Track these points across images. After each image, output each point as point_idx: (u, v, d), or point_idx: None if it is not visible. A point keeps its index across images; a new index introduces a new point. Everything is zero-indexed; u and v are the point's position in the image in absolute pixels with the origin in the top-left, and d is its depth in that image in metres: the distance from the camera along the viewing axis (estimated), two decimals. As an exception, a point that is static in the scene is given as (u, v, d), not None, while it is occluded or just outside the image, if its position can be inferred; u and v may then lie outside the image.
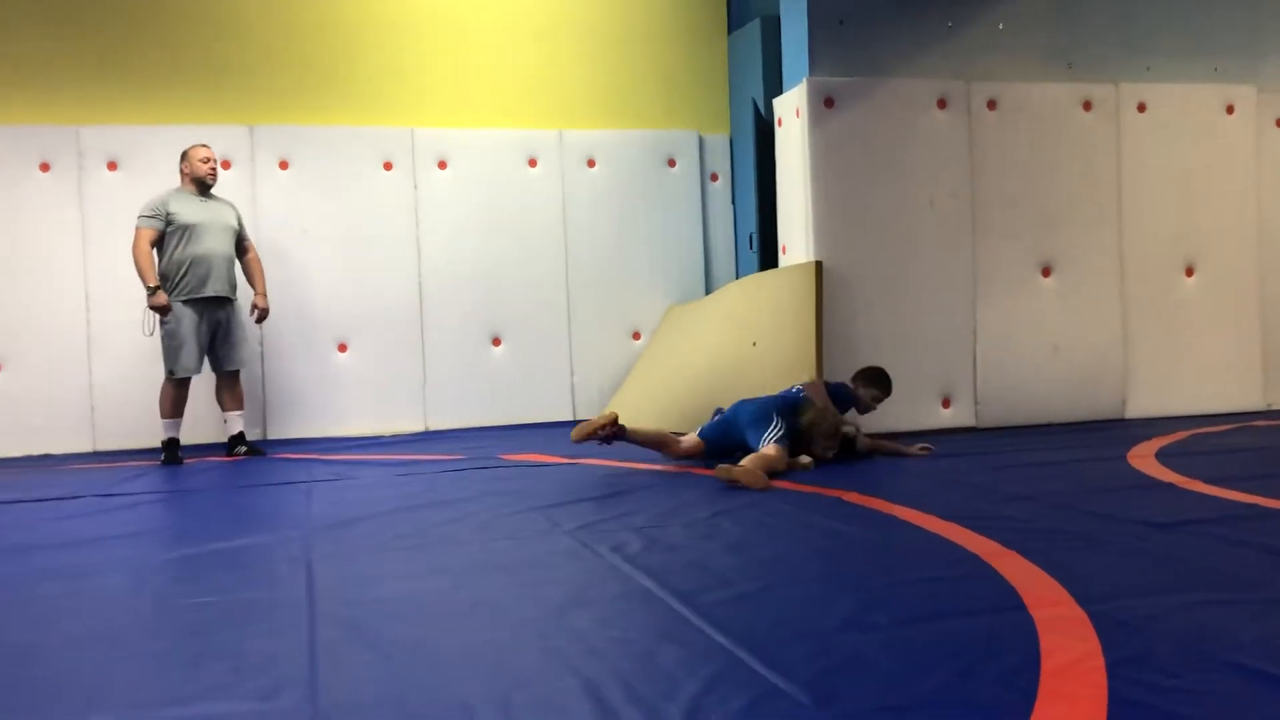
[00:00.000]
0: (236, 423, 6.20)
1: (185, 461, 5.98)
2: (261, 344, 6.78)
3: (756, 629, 2.46)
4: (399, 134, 7.08)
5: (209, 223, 5.98)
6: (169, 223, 5.92)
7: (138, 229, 5.90)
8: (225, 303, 6.06)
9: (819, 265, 5.90)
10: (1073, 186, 6.36)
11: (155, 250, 5.94)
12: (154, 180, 6.40)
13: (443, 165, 7.16)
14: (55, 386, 6.53)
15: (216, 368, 6.12)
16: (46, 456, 6.45)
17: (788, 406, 5.00)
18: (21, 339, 6.50)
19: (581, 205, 7.43)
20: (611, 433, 4.95)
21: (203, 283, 5.94)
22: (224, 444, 6.27)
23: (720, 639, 2.37)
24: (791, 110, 6.22)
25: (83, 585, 3.22)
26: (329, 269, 6.93)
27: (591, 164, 7.46)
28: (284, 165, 6.89)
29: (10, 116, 6.59)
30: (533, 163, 7.35)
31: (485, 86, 7.42)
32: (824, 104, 6.02)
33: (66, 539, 3.96)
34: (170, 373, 5.95)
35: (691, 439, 5.19)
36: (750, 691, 2.04)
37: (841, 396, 5.29)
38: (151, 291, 5.88)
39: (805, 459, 4.91)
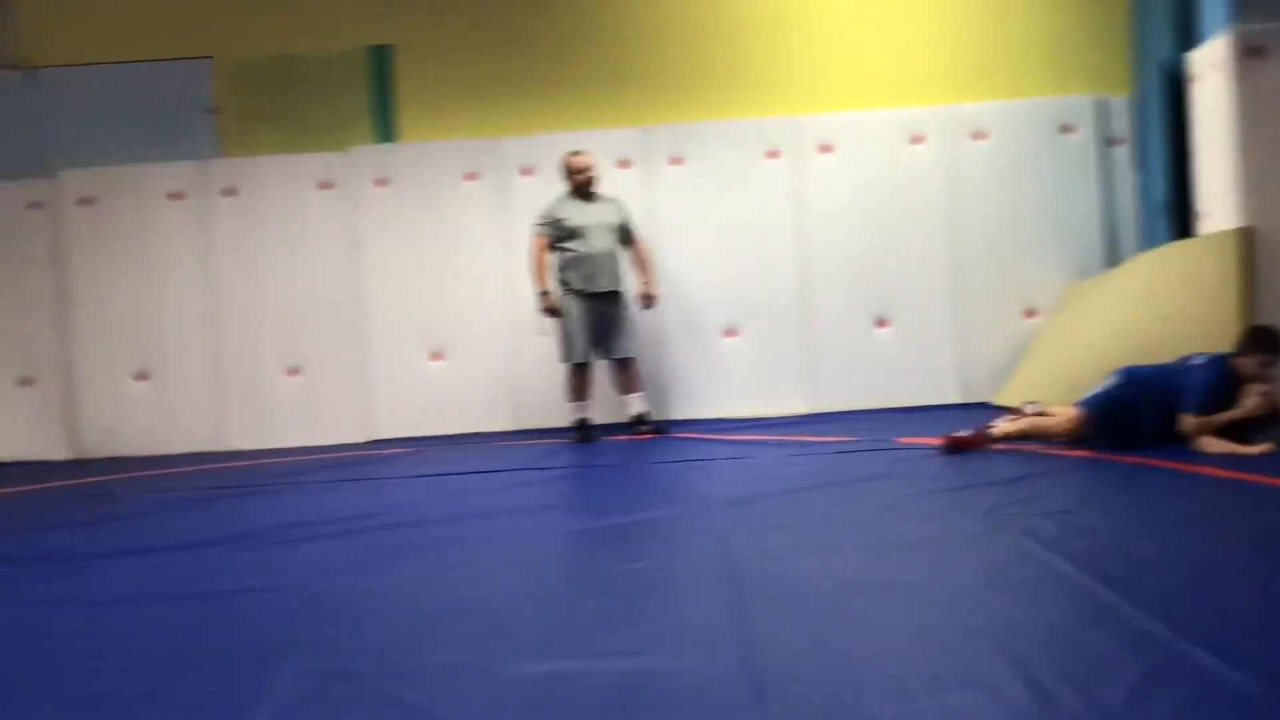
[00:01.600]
0: (637, 403, 6.60)
1: (597, 440, 6.46)
2: (655, 332, 7.17)
3: (1197, 618, 2.31)
4: (784, 122, 7.23)
5: (593, 224, 6.44)
6: (558, 228, 6.43)
7: (533, 236, 6.46)
8: (613, 296, 6.48)
9: (1247, 232, 5.36)
10: None
11: (552, 251, 6.47)
12: (561, 185, 6.97)
13: (825, 149, 7.22)
14: (484, 372, 7.28)
15: (605, 357, 6.55)
16: (479, 434, 7.21)
17: (1211, 380, 4.56)
18: (456, 331, 7.30)
19: (968, 180, 7.22)
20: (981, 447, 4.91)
21: (590, 280, 6.40)
22: (626, 424, 6.68)
23: (1156, 626, 2.26)
24: (1211, 64, 5.69)
25: (520, 549, 3.59)
26: (716, 258, 7.21)
27: (979, 137, 7.23)
28: (675, 161, 7.25)
29: (443, 133, 7.42)
30: (917, 140, 7.24)
31: (868, 67, 7.41)
32: (1251, 54, 5.45)
33: (501, 507, 4.43)
34: (566, 360, 6.47)
35: (1070, 412, 4.89)
36: (1197, 682, 1.94)
37: (1226, 374, 4.70)
38: (541, 295, 6.41)
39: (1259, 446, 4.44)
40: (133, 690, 2.33)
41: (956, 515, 3.62)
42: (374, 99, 7.57)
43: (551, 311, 6.45)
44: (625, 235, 6.57)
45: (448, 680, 2.24)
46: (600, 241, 6.42)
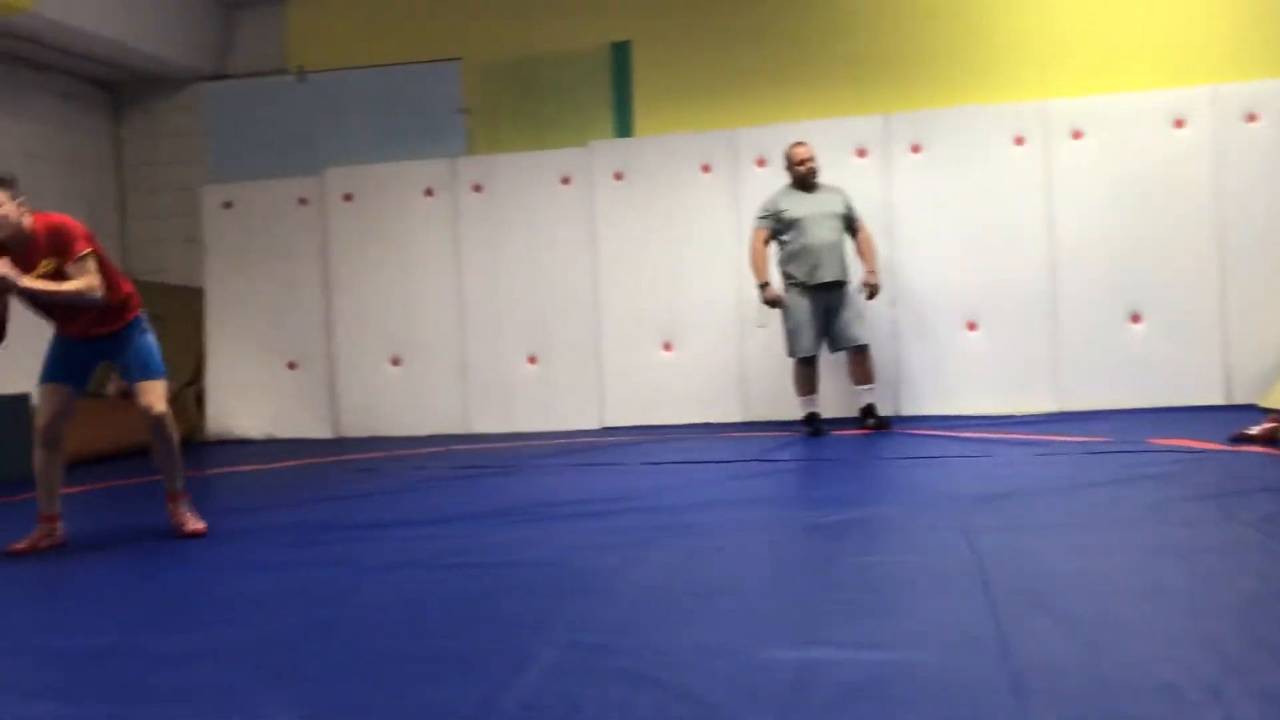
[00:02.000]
0: (867, 395, 6.48)
1: (827, 434, 6.41)
2: (894, 323, 7.03)
3: None
4: (1030, 108, 6.93)
5: (814, 215, 6.33)
6: (778, 220, 6.38)
7: (754, 229, 6.48)
8: (836, 287, 6.35)
9: None
10: None
11: (777, 244, 6.44)
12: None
13: (1076, 135, 6.87)
14: (714, 363, 7.34)
15: (835, 347, 6.44)
16: (708, 425, 7.28)
17: None
18: (687, 322, 7.39)
19: (1238, 166, 6.69)
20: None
21: (812, 271, 6.30)
22: (856, 419, 6.57)
23: None
24: None
25: (760, 538, 3.62)
26: (958, 248, 6.98)
27: (1252, 118, 6.69)
28: (916, 149, 7.08)
29: (678, 126, 7.52)
30: (1179, 124, 6.78)
31: (1123, 48, 7.00)
32: None
33: (736, 497, 4.47)
34: (792, 355, 6.41)
35: None
36: None
37: None
38: (761, 288, 6.40)
39: None
40: (406, 649, 2.50)
41: (1226, 521, 3.39)
42: (614, 94, 7.76)
43: (772, 304, 6.43)
44: (849, 224, 6.46)
45: (702, 661, 2.29)
46: (821, 232, 6.31)
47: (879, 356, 6.68)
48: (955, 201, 6.99)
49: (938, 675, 2.13)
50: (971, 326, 7.02)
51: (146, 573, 3.60)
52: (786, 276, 6.41)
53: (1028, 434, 5.91)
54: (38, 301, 3.87)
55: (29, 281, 3.72)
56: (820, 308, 6.35)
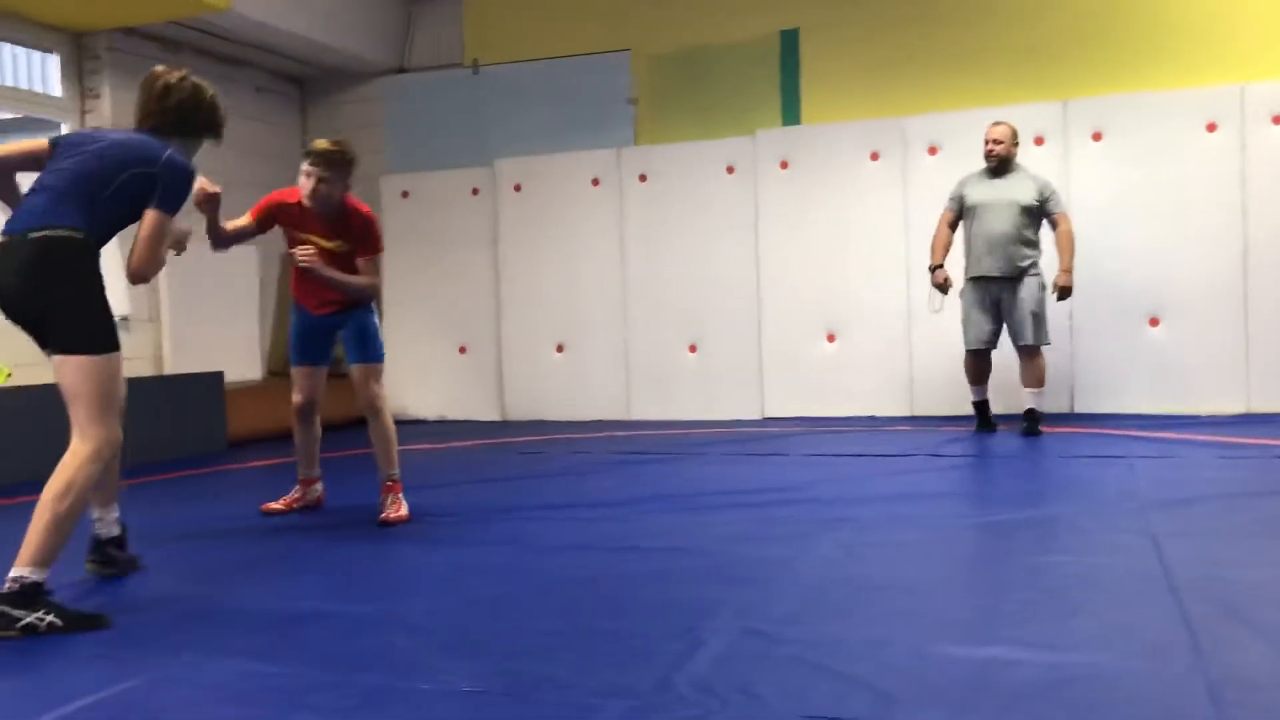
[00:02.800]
0: (1028, 399, 6.11)
1: (998, 428, 6.23)
2: (1070, 318, 6.77)
3: None
4: (1225, 92, 6.55)
5: (993, 202, 6.00)
6: (960, 204, 6.15)
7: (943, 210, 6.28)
8: (1007, 281, 5.98)
9: None
10: None
11: (963, 229, 6.19)
12: (967, 162, 6.76)
13: (1278, 121, 6.46)
14: (879, 355, 7.22)
15: (1011, 343, 6.12)
16: (871, 418, 7.17)
17: None
18: (851, 313, 7.29)
19: None
20: None
21: (978, 262, 6.02)
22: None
23: None
24: None
25: (929, 534, 3.55)
26: (1142, 240, 6.67)
27: None
28: (1097, 137, 6.79)
29: (846, 114, 7.42)
30: (1393, 108, 6.30)
31: (1330, 27, 6.54)
32: None
33: (902, 491, 4.40)
34: (965, 344, 6.17)
35: None
36: None
37: None
38: (932, 270, 6.19)
39: None
40: (580, 627, 2.57)
41: None
42: (782, 83, 7.70)
43: (940, 287, 6.19)
44: (1041, 215, 6.07)
45: (874, 653, 2.27)
46: (997, 221, 5.98)
47: (1056, 351, 6.42)
48: (1139, 191, 6.68)
49: (1126, 680, 2.06)
50: (1154, 322, 6.70)
51: (338, 544, 3.79)
52: (966, 265, 6.17)
53: (1213, 436, 5.63)
54: (309, 275, 4.09)
55: (329, 273, 4.02)
56: (991, 300, 6.07)
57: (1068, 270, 6.01)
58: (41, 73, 7.15)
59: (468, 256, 8.32)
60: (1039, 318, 6.01)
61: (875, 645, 2.33)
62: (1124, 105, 6.74)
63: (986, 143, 6.11)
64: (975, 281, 6.08)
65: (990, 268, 6.00)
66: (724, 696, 2.04)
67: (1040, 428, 6.04)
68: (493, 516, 4.17)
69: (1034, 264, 6.03)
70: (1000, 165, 6.09)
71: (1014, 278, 6.00)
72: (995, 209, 5.99)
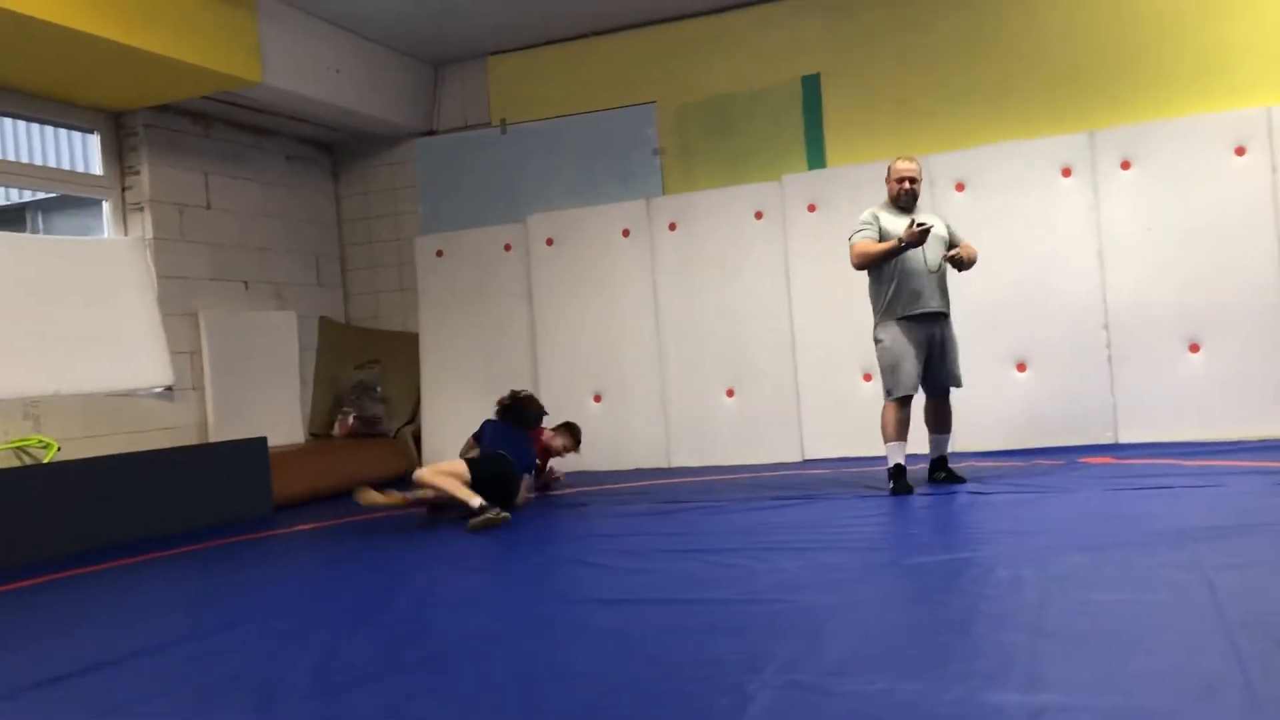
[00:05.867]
0: (944, 445, 5.83)
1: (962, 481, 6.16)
2: (1109, 347, 6.73)
3: None
4: (1252, 115, 6.52)
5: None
6: (882, 235, 5.63)
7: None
8: (942, 319, 5.65)
9: None
10: None
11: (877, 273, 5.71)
12: (995, 197, 6.80)
13: (1310, 142, 6.43)
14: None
15: (929, 386, 5.73)
16: (912, 456, 7.11)
17: None
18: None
19: None
20: None
21: (915, 297, 5.56)
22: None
23: None
24: None
25: (975, 573, 3.51)
26: (1178, 266, 6.62)
27: None
28: (1125, 166, 6.78)
29: (871, 155, 7.44)
30: None
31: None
32: None
33: (947, 531, 4.35)
34: (888, 393, 5.65)
35: None
36: None
37: None
38: (901, 241, 5.46)
39: None
40: (623, 686, 2.57)
41: None
42: (806, 127, 7.76)
43: (917, 238, 5.42)
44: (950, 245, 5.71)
45: (926, 703, 2.26)
46: (931, 256, 5.55)
47: (1094, 381, 6.37)
48: (1171, 217, 6.65)
49: (1179, 723, 2.04)
50: (1194, 348, 6.63)
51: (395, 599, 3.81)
52: (884, 305, 5.69)
53: (1261, 462, 5.54)
54: None
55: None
56: (920, 340, 5.59)
57: (970, 251, 5.61)
58: (83, 152, 7.37)
59: (503, 312, 8.41)
60: (958, 360, 5.77)
61: (928, 695, 2.31)
62: (1151, 133, 6.73)
63: (903, 180, 5.70)
64: (909, 321, 5.59)
65: (931, 304, 5.59)
66: (774, 753, 2.03)
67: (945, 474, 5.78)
68: (533, 570, 4.18)
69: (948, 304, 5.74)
70: (911, 202, 5.74)
71: (947, 314, 5.70)
72: (926, 243, 5.50)
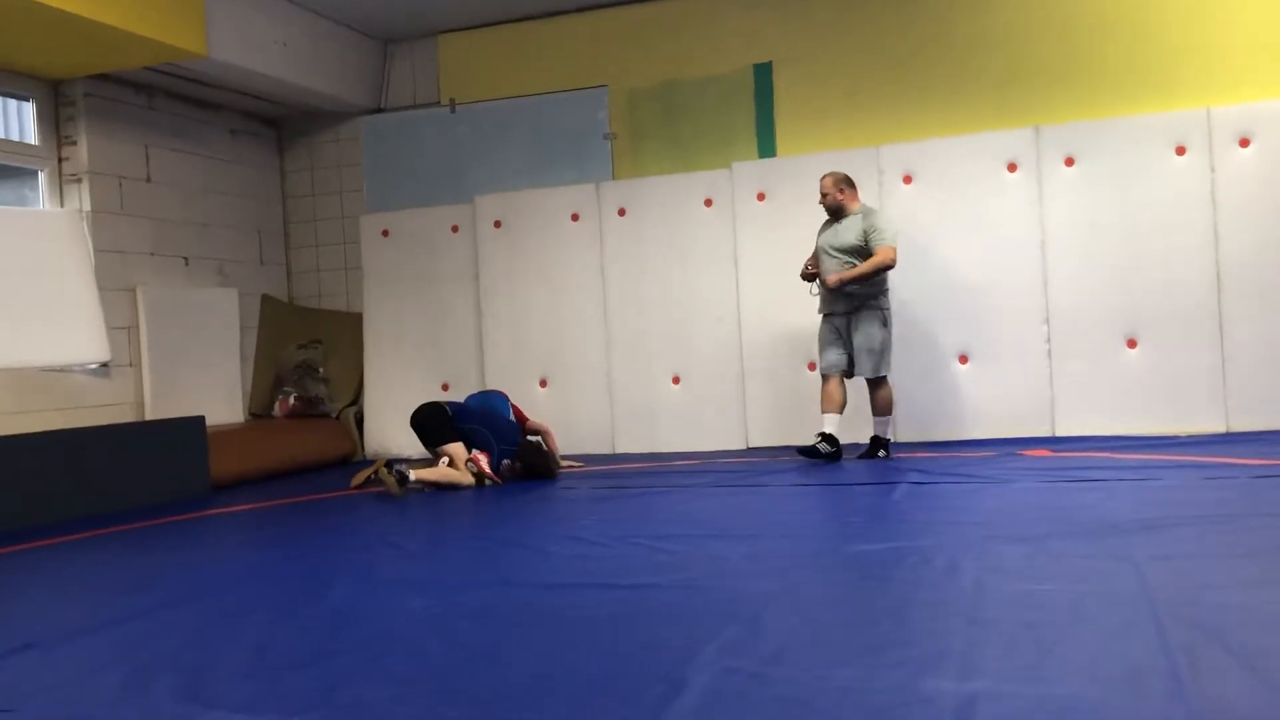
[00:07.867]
0: (875, 426, 6.53)
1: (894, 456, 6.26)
2: (1049, 341, 6.84)
3: None
4: (1193, 116, 6.65)
5: (828, 245, 6.42)
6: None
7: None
8: (845, 317, 6.39)
9: None
10: None
11: None
12: (941, 190, 6.86)
13: (1244, 143, 6.57)
14: (862, 383, 7.24)
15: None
16: (855, 445, 7.18)
17: None
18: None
19: None
20: None
21: (824, 300, 6.47)
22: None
23: None
24: None
25: (909, 561, 3.55)
26: (1117, 262, 6.74)
27: None
28: (1069, 162, 6.88)
29: (821, 145, 7.48)
30: (1358, 128, 6.41)
31: (1294, 49, 6.66)
32: None
33: (886, 520, 4.39)
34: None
35: None
36: None
37: None
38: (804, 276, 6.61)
39: None
40: (558, 670, 2.56)
41: None
42: (757, 116, 7.78)
43: (808, 278, 6.58)
44: (866, 250, 6.33)
45: (860, 691, 2.28)
46: (831, 264, 6.41)
47: (1033, 374, 6.50)
48: (1112, 214, 6.77)
49: (1107, 712, 2.07)
50: (1131, 344, 6.76)
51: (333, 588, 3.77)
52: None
53: (1193, 456, 5.67)
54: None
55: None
56: (834, 332, 6.46)
57: (842, 276, 6.30)
58: (18, 120, 7.17)
59: (449, 293, 8.34)
60: (874, 353, 6.34)
61: (862, 683, 2.33)
62: (1095, 131, 6.83)
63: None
64: (824, 317, 6.49)
65: (830, 306, 6.44)
66: (709, 739, 2.04)
67: (881, 453, 6.49)
68: (475, 554, 4.16)
69: (870, 300, 6.33)
70: (834, 212, 6.48)
71: (850, 313, 6.36)
72: (829, 253, 6.39)
